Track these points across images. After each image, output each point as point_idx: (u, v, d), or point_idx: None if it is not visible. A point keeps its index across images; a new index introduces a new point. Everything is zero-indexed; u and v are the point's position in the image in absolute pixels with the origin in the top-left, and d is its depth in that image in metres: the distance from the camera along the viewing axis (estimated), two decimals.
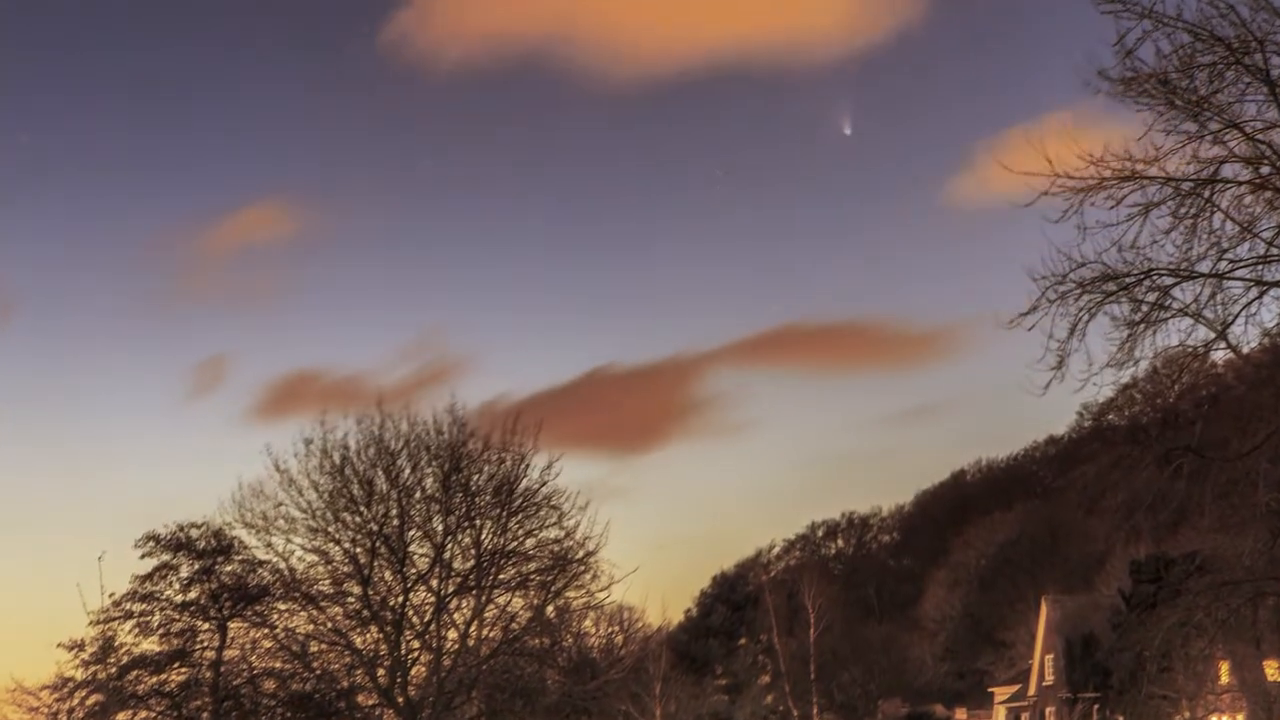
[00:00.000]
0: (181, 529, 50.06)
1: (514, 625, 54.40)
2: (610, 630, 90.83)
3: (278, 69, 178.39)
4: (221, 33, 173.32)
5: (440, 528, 52.86)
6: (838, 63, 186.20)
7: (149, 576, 49.32)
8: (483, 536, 53.38)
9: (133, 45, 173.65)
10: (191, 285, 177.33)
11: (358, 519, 51.93)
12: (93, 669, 47.69)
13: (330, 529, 51.90)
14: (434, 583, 52.62)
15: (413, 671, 52.77)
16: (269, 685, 50.79)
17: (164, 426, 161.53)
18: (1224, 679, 67.71)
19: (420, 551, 52.88)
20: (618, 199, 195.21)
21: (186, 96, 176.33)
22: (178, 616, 49.36)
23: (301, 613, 52.11)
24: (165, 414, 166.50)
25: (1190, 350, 31.56)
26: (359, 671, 52.20)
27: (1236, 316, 30.72)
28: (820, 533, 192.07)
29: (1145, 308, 31.04)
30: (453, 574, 53.03)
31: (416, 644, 52.66)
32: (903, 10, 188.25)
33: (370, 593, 51.64)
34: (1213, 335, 31.14)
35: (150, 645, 48.95)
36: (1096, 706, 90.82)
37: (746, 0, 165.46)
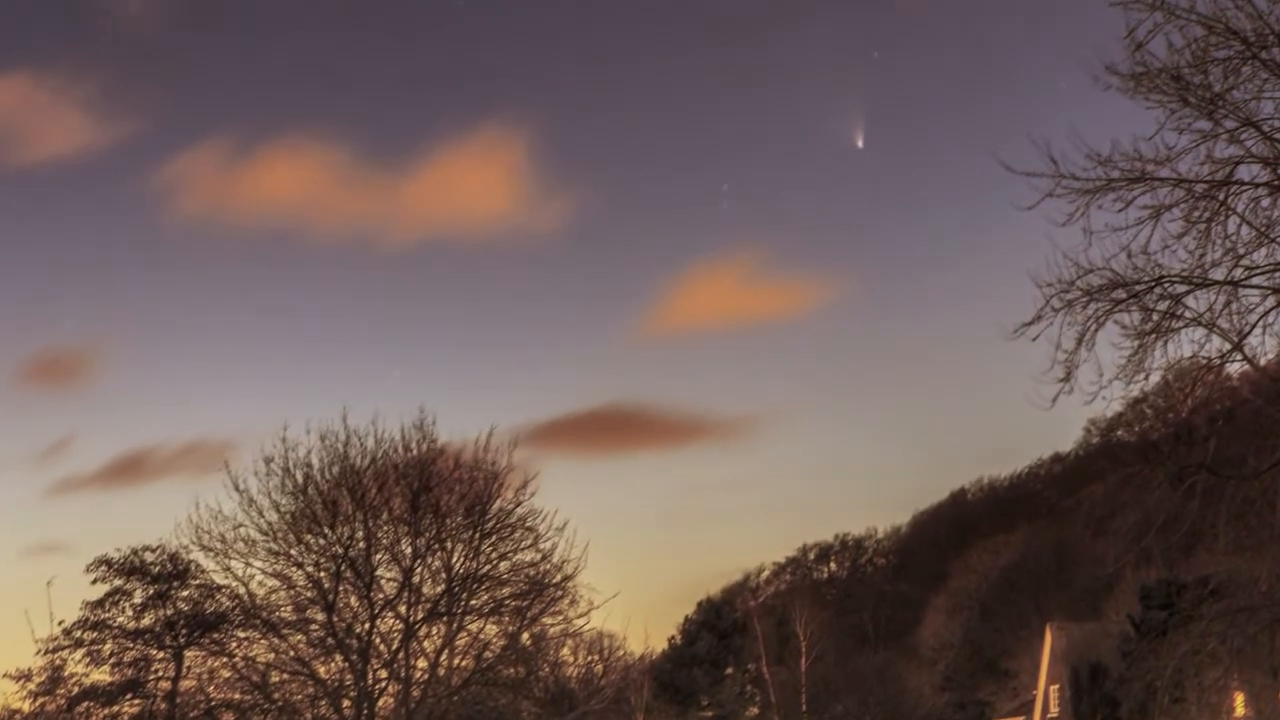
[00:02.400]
0: (135, 552, 49.91)
1: (487, 654, 54.19)
2: (589, 659, 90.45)
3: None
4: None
5: (409, 550, 52.66)
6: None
7: (100, 603, 49.18)
8: (454, 560, 53.20)
9: None
10: (35, 369, 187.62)
11: (321, 541, 51.70)
12: (41, 700, 47.56)
13: (292, 552, 51.68)
14: (402, 609, 52.36)
15: (380, 703, 52.51)
16: (227, 718, 50.62)
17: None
18: (1239, 710, 67.78)
19: (388, 576, 52.67)
20: None
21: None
22: (130, 645, 49.19)
23: (262, 640, 51.90)
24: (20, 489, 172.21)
25: (1204, 362, 31.60)
26: (323, 703, 51.96)
27: (1253, 327, 30.77)
28: (812, 555, 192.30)
29: (1156, 317, 31.05)
30: (422, 599, 52.80)
31: (384, 673, 52.40)
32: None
33: (335, 619, 51.39)
34: (1228, 346, 31.16)
35: (101, 676, 48.82)
36: None
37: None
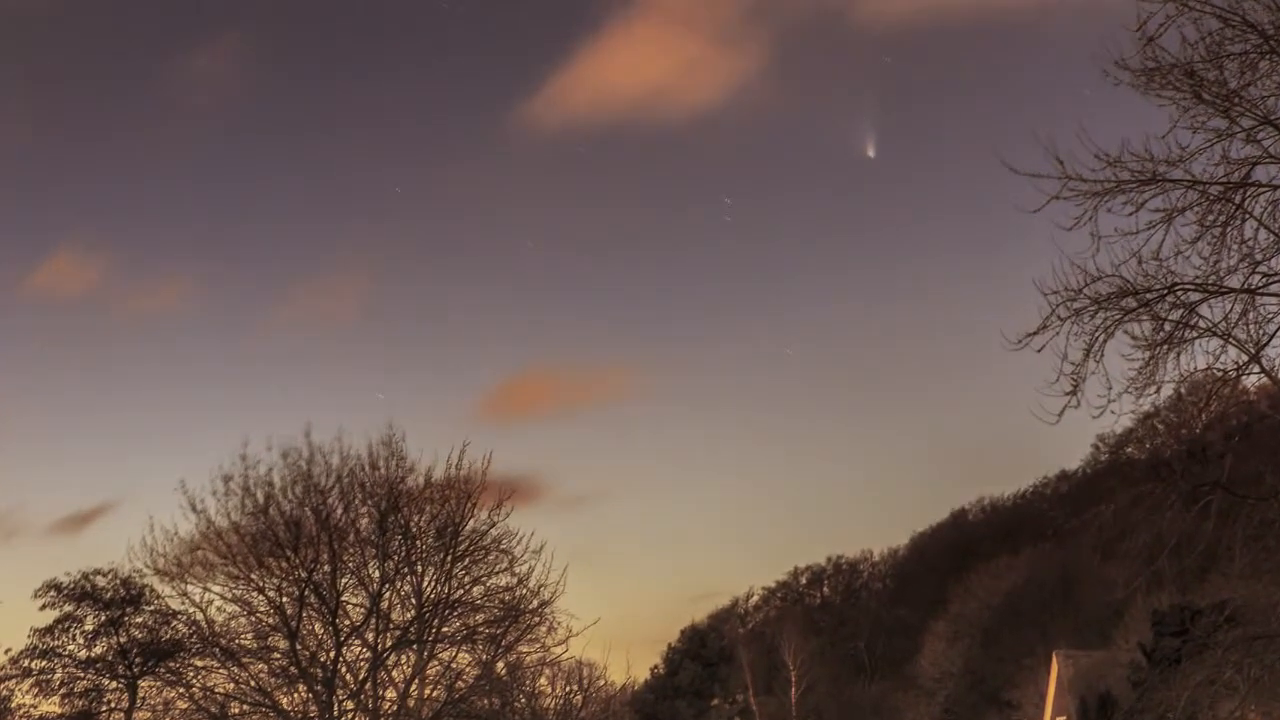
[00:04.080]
0: (86, 576, 49.74)
1: (460, 683, 54.05)
2: (568, 689, 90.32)
3: None
4: None
5: (376, 574, 52.56)
6: None
7: (49, 630, 49.06)
8: (424, 584, 53.12)
9: None
10: None
11: (284, 564, 51.53)
12: None
13: (253, 575, 51.53)
14: (370, 636, 52.26)
15: None
16: None
17: None
18: None
19: (354, 601, 52.55)
20: None
21: None
22: (82, 674, 49.09)
23: (221, 670, 51.73)
24: None
25: (1219, 374, 31.34)
26: None
27: (1271, 337, 30.53)
28: (804, 580, 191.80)
29: (1168, 327, 30.79)
30: (391, 626, 52.70)
31: (350, 704, 52.25)
32: None
33: (298, 647, 51.24)
34: (1244, 358, 30.92)
35: (51, 707, 48.76)
36: None
37: None
